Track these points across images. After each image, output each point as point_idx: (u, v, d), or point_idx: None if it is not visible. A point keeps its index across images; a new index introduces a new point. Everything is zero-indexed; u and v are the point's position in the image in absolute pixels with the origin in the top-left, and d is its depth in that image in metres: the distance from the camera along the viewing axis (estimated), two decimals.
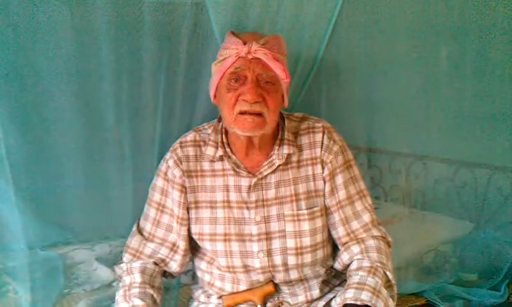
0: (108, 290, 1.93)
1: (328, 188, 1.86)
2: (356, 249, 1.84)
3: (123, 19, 1.87)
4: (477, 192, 2.76)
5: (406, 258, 2.41)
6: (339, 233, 1.88)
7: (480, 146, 2.67)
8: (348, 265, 1.86)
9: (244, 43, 1.73)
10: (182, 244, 1.89)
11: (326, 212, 1.88)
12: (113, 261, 1.95)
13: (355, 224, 1.88)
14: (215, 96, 1.83)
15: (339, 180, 1.87)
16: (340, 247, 1.90)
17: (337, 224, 1.87)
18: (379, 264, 1.78)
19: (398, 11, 2.42)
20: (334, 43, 2.25)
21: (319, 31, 2.22)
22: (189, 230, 1.89)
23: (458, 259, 2.59)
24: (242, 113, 1.72)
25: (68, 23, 1.79)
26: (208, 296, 1.95)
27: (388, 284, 1.79)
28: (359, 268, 1.78)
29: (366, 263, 1.78)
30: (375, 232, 1.88)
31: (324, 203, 1.87)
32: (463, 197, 2.79)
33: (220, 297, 1.92)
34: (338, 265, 1.91)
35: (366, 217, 1.89)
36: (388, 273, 1.79)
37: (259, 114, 1.72)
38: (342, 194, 1.87)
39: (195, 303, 2.00)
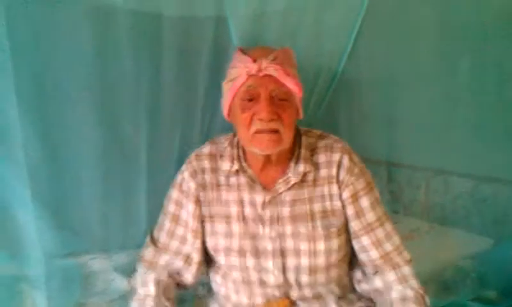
0: (125, 301, 1.92)
1: (351, 211, 1.82)
2: (392, 276, 1.81)
3: (143, 31, 1.88)
4: (497, 207, 2.73)
5: (426, 274, 2.36)
6: (372, 256, 1.84)
7: (500, 161, 2.64)
8: (380, 290, 1.84)
9: (254, 61, 1.71)
10: (196, 256, 1.89)
11: (352, 236, 1.85)
12: (131, 270, 1.95)
13: (388, 246, 1.83)
14: (228, 115, 1.83)
15: (365, 202, 1.83)
16: (370, 269, 1.86)
17: (368, 247, 1.83)
18: (421, 291, 1.78)
19: (419, 24, 2.40)
20: (355, 56, 2.25)
21: (340, 44, 2.22)
22: (203, 243, 1.89)
23: (478, 275, 2.56)
24: (258, 132, 1.71)
25: (89, 34, 1.80)
26: None
27: None
28: (404, 299, 1.76)
29: (410, 293, 1.77)
30: (406, 255, 1.85)
31: (347, 226, 1.85)
32: (483, 213, 2.75)
33: None
34: (365, 287, 1.88)
35: (397, 239, 1.85)
36: (427, 298, 1.79)
37: (275, 131, 1.71)
38: (370, 216, 1.83)
39: None
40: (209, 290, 2.04)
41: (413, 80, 2.51)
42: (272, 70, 1.69)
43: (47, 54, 1.78)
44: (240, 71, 1.72)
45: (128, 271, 1.96)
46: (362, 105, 2.48)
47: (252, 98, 1.72)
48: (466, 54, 2.49)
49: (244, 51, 1.79)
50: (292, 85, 1.72)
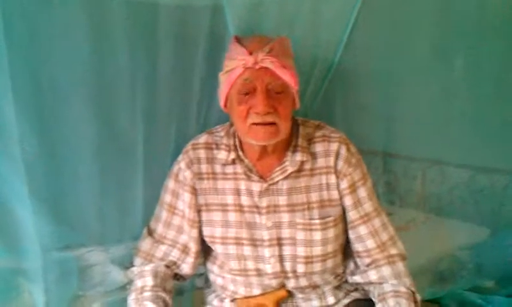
0: (122, 293, 1.92)
1: (349, 202, 1.83)
2: (387, 271, 1.83)
3: (139, 21, 1.87)
4: (494, 197, 2.73)
5: (422, 264, 2.39)
6: (368, 245, 1.85)
7: (497, 151, 2.64)
8: (373, 283, 1.85)
9: (250, 53, 1.70)
10: (193, 246, 1.89)
11: (348, 225, 1.86)
12: (128, 263, 1.95)
13: (384, 236, 1.86)
14: (225, 106, 1.82)
15: (362, 192, 1.85)
16: (364, 260, 1.87)
17: (365, 237, 1.85)
18: (413, 289, 1.81)
19: (416, 14, 2.39)
20: (352, 47, 2.24)
21: (337, 35, 2.21)
22: (200, 232, 1.88)
23: (475, 265, 2.57)
24: (254, 124, 1.71)
25: (85, 29, 1.78)
26: (222, 300, 1.95)
27: (416, 305, 1.80)
28: (397, 294, 1.78)
29: (403, 289, 1.79)
30: (400, 245, 1.88)
31: (345, 216, 1.86)
32: (479, 203, 2.75)
33: (233, 300, 1.91)
34: (359, 279, 1.89)
35: (391, 229, 1.88)
36: (418, 296, 1.82)
37: (272, 124, 1.71)
38: (368, 206, 1.85)
39: None
40: (207, 281, 2.04)
41: (410, 72, 2.51)
42: (269, 62, 1.68)
43: (42, 50, 1.75)
44: (236, 63, 1.72)
45: (126, 263, 1.96)
46: (358, 95, 2.47)
47: (248, 92, 1.71)
48: (463, 47, 2.49)
49: (240, 40, 1.78)
50: (288, 77, 1.71)
